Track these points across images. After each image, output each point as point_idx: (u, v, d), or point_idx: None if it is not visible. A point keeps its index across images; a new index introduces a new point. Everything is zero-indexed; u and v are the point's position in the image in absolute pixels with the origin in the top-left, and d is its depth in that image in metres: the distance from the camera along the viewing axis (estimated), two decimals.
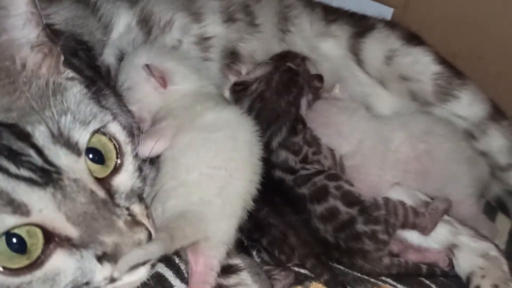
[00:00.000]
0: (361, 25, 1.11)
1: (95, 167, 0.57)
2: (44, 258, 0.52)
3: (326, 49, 1.10)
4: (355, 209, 0.83)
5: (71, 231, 0.53)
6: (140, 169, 0.64)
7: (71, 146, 0.54)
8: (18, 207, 0.50)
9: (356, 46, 1.10)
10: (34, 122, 0.53)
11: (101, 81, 0.86)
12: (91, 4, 0.94)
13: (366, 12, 1.17)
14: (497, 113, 1.05)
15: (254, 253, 0.81)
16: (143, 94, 0.87)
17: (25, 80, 0.56)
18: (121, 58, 0.91)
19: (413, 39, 1.08)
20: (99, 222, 0.54)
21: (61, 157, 0.53)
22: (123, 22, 0.95)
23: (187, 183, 0.72)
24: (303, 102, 0.95)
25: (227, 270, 0.73)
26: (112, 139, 0.60)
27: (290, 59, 1.02)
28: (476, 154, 1.03)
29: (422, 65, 1.06)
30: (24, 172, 0.51)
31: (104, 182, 0.58)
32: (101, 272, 0.55)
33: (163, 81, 0.85)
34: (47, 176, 0.52)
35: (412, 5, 1.21)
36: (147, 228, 0.57)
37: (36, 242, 0.52)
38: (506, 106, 1.06)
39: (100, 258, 0.54)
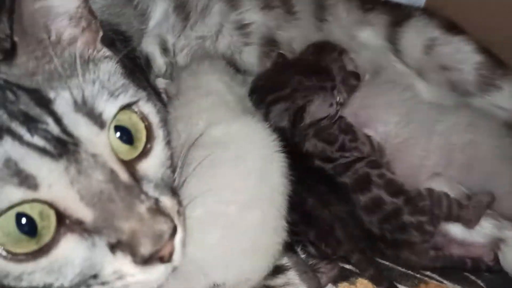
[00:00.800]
0: (398, 14, 1.08)
1: (122, 147, 0.52)
2: (52, 244, 0.47)
3: (364, 37, 1.07)
4: (401, 199, 0.81)
5: (84, 213, 0.47)
6: (171, 159, 0.58)
7: (94, 116, 0.50)
8: (25, 179, 0.45)
9: (393, 36, 1.07)
10: (58, 88, 0.50)
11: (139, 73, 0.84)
12: None
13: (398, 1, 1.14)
14: None
15: (299, 248, 0.79)
16: None
17: (57, 50, 0.53)
18: (163, 45, 0.89)
19: (453, 27, 1.05)
20: (116, 204, 0.48)
21: (80, 127, 0.49)
22: (160, 9, 0.93)
23: (190, 220, 0.59)
24: None
25: (274, 270, 0.70)
26: (144, 120, 0.55)
27: (328, 52, 1.00)
28: None
29: (463, 54, 1.02)
30: (38, 141, 0.47)
31: (129, 165, 0.52)
32: (112, 263, 0.49)
33: None
34: (63, 147, 0.47)
35: None
36: (172, 221, 0.51)
37: (48, 226, 0.47)
38: None
39: (114, 247, 0.48)
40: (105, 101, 0.51)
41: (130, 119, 0.54)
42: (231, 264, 0.63)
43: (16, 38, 0.50)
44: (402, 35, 1.06)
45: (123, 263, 0.48)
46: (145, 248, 0.47)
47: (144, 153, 0.55)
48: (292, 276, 0.71)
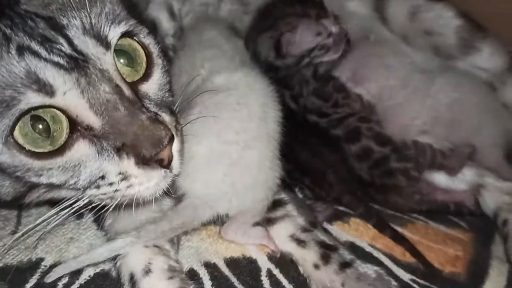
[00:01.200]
0: None
1: (125, 69, 0.62)
2: (66, 146, 0.56)
3: (352, 7, 1.14)
4: (388, 148, 0.89)
5: (93, 120, 0.56)
6: (170, 84, 0.67)
7: (100, 38, 0.58)
8: (43, 86, 0.53)
9: (380, 5, 1.14)
10: (70, 16, 0.58)
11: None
12: None
13: None
14: None
15: (297, 189, 0.86)
16: None
17: None
18: (170, 10, 0.95)
19: None
20: (121, 112, 0.56)
21: (89, 46, 0.57)
22: None
23: (196, 158, 0.69)
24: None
25: (274, 204, 0.77)
26: (145, 49, 0.64)
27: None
28: (502, 107, 1.06)
29: (445, 19, 1.09)
30: (54, 57, 0.55)
31: (133, 85, 0.61)
32: (118, 165, 0.57)
33: None
34: (74, 62, 0.55)
35: None
36: (170, 131, 0.59)
37: (60, 129, 0.55)
38: None
39: (119, 150, 0.56)
40: (109, 26, 0.59)
41: (130, 45, 0.63)
42: (233, 197, 0.70)
43: None
44: (389, 4, 1.13)
45: (127, 164, 0.57)
46: (146, 150, 0.56)
47: (145, 77, 0.63)
48: (290, 209, 0.78)
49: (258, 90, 0.77)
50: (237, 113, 0.72)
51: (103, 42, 0.58)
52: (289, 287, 0.71)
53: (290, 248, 0.74)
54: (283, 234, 0.75)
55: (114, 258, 0.67)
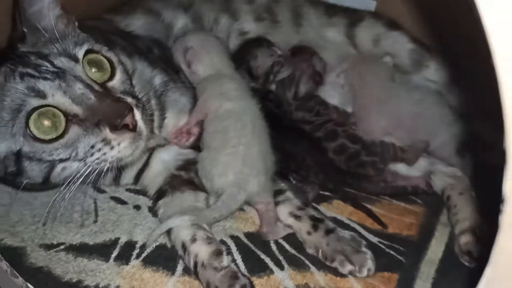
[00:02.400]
0: (354, 17, 1.43)
1: (96, 74, 0.87)
2: (65, 131, 0.80)
3: (330, 36, 1.41)
4: (359, 145, 1.15)
5: (76, 109, 0.81)
6: (130, 80, 0.93)
7: (70, 56, 0.85)
8: (38, 93, 0.79)
9: (351, 34, 1.42)
10: (50, 48, 0.85)
11: (169, 67, 1.19)
12: (155, 12, 1.27)
13: (354, 5, 1.49)
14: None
15: (291, 178, 1.14)
16: (183, 68, 1.19)
17: (47, 32, 0.87)
18: None
19: (393, 25, 1.40)
20: (92, 99, 0.81)
21: (64, 63, 0.83)
22: (180, 23, 1.28)
23: (222, 161, 0.99)
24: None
25: (276, 192, 1.05)
26: (107, 59, 0.90)
27: (303, 52, 1.34)
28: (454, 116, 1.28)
29: (400, 44, 1.38)
30: (42, 74, 0.80)
31: (103, 84, 0.86)
32: (99, 135, 0.81)
33: (189, 64, 1.17)
34: (56, 74, 0.81)
35: None
36: (128, 105, 0.83)
37: (59, 121, 0.80)
38: None
39: (97, 124, 0.81)
40: (75, 48, 0.87)
41: (96, 57, 0.89)
42: (252, 180, 0.99)
43: (24, 29, 0.87)
44: (357, 33, 1.41)
45: (105, 133, 0.81)
46: (113, 120, 0.81)
47: (111, 77, 0.89)
48: (288, 194, 1.05)
49: (251, 109, 1.08)
50: (236, 124, 1.03)
51: (73, 57, 0.85)
52: (290, 249, 0.97)
53: (290, 221, 1.01)
54: (285, 212, 1.02)
55: (169, 234, 0.95)
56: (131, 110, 0.83)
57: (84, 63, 0.86)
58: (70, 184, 0.85)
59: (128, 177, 1.09)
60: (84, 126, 0.82)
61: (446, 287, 0.94)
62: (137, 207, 1.05)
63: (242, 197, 0.97)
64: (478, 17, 0.45)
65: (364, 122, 1.26)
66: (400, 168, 1.22)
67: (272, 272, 0.93)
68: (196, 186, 1.06)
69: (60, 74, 0.82)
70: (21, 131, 0.79)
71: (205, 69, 1.16)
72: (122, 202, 1.06)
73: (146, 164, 1.08)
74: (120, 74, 0.91)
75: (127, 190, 1.09)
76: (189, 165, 1.08)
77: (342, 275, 0.93)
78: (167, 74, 1.14)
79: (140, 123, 0.86)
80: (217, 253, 0.89)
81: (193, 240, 0.91)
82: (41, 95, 0.80)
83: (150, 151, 1.10)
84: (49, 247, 0.93)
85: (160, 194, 1.05)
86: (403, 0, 1.48)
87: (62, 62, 0.84)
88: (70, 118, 0.81)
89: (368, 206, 1.12)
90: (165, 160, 1.09)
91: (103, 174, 0.86)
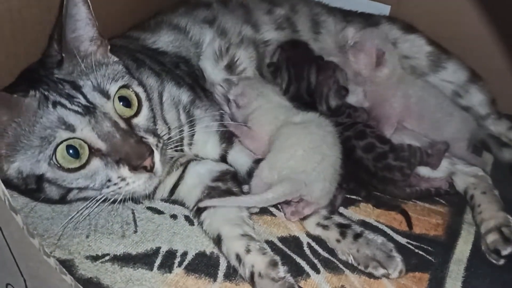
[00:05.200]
0: (370, 22, 1.46)
1: (124, 110, 0.90)
2: (87, 163, 0.85)
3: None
4: (387, 146, 1.17)
5: (101, 144, 0.85)
6: (154, 118, 0.96)
7: (103, 92, 0.87)
8: (68, 126, 0.83)
9: None
10: (84, 79, 0.87)
11: (195, 83, 1.22)
12: (182, 29, 1.30)
13: (368, 11, 1.53)
14: (474, 77, 1.40)
15: None
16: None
17: (84, 59, 0.89)
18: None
19: (409, 28, 1.44)
20: (117, 138, 0.85)
21: (96, 98, 0.86)
22: (208, 37, 1.30)
23: (295, 157, 1.03)
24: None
25: None
26: (136, 95, 0.93)
27: (326, 69, 1.35)
28: (461, 109, 1.35)
29: (418, 47, 1.42)
30: (74, 107, 0.84)
31: (128, 120, 0.90)
32: (117, 171, 0.86)
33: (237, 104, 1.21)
34: (87, 109, 0.84)
35: (404, 2, 1.57)
36: (150, 147, 0.87)
37: (83, 152, 0.84)
38: (479, 72, 1.41)
39: (118, 162, 0.85)
40: (110, 83, 0.89)
41: (126, 92, 0.92)
42: (320, 184, 1.03)
43: (63, 54, 0.89)
44: None
45: (123, 171, 0.86)
46: (133, 161, 0.86)
47: (136, 113, 0.92)
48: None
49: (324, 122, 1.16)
50: (317, 135, 1.10)
51: (106, 94, 0.88)
52: (323, 253, 1.01)
53: (318, 232, 1.04)
54: (312, 223, 1.05)
55: (219, 245, 0.98)
56: (151, 153, 0.88)
57: (115, 98, 0.90)
58: (87, 206, 0.91)
59: (162, 192, 1.11)
60: (105, 161, 0.86)
61: (476, 284, 0.97)
62: (174, 216, 1.08)
63: (300, 190, 1.00)
64: None
65: (380, 109, 1.32)
66: (422, 170, 1.24)
67: (308, 275, 0.96)
68: (237, 195, 1.08)
69: (91, 109, 0.85)
70: (47, 159, 0.84)
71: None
72: (158, 212, 1.09)
73: (180, 178, 1.11)
74: (145, 111, 0.94)
75: (162, 200, 1.12)
76: (225, 176, 1.11)
77: (376, 277, 0.96)
78: (194, 92, 1.18)
79: (158, 165, 0.90)
80: (273, 264, 0.91)
81: (248, 251, 0.94)
82: (71, 128, 0.84)
83: (185, 165, 1.12)
84: (95, 258, 0.96)
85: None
86: (417, 4, 1.52)
87: (94, 97, 0.87)
88: (93, 151, 0.86)
89: None
90: (200, 173, 1.11)
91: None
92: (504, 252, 1.01)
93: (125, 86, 0.91)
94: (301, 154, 1.03)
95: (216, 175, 1.10)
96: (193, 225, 1.06)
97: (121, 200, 0.90)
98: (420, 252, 1.04)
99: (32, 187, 0.88)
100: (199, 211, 1.04)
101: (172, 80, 1.14)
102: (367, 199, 1.17)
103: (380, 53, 1.34)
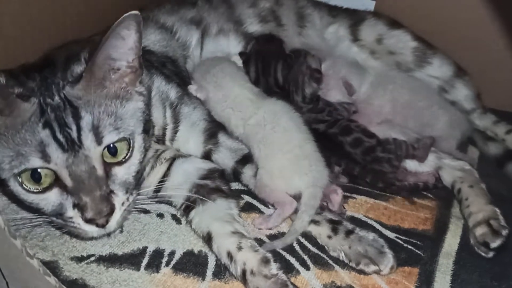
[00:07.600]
0: (356, 18, 1.46)
1: (108, 155, 0.84)
2: (47, 189, 0.82)
3: (332, 31, 1.46)
4: (374, 140, 1.18)
5: (68, 182, 0.81)
6: (136, 173, 0.89)
7: (98, 137, 0.81)
8: (45, 156, 0.79)
9: (354, 33, 1.45)
10: (88, 111, 0.81)
11: (182, 83, 1.20)
12: (169, 29, 1.28)
13: (353, 6, 1.52)
14: (460, 71, 1.40)
15: None
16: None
17: (102, 84, 0.84)
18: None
19: (394, 24, 1.44)
20: (85, 184, 0.81)
21: (88, 139, 0.81)
22: (195, 39, 1.29)
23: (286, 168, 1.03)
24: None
25: None
26: (131, 147, 0.87)
27: (297, 56, 1.34)
28: (448, 104, 1.35)
29: (403, 43, 1.42)
30: (60, 138, 0.79)
31: (109, 165, 0.85)
32: (71, 212, 0.82)
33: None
34: (72, 145, 0.79)
35: None
36: (112, 208, 0.83)
37: (46, 180, 0.81)
38: (464, 66, 1.42)
39: (75, 205, 0.82)
40: (110, 132, 0.83)
41: (120, 144, 0.86)
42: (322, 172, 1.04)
43: (84, 73, 0.83)
44: (360, 33, 1.45)
45: (76, 215, 0.83)
46: (88, 214, 0.82)
47: (121, 162, 0.87)
48: None
49: (283, 109, 1.14)
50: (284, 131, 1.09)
51: (99, 139, 0.82)
52: (313, 249, 1.00)
53: (309, 228, 1.02)
54: None
55: (209, 243, 0.96)
56: (110, 213, 0.84)
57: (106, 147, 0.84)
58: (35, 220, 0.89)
59: (147, 190, 1.06)
60: (64, 196, 0.83)
61: (465, 277, 0.97)
62: (160, 215, 1.06)
63: (320, 193, 1.01)
64: None
65: (368, 108, 1.31)
66: (410, 164, 1.25)
67: (298, 272, 0.95)
68: (226, 193, 1.06)
69: (76, 147, 0.81)
70: (14, 173, 0.81)
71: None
72: (145, 211, 1.07)
73: (166, 175, 1.08)
74: (130, 165, 0.88)
75: (148, 198, 1.10)
76: (213, 174, 1.09)
77: (366, 273, 0.96)
78: (182, 89, 1.15)
79: (112, 223, 0.86)
80: (266, 261, 0.90)
81: (239, 248, 0.92)
82: (47, 159, 0.80)
83: (170, 161, 1.10)
84: (80, 259, 0.94)
85: (189, 204, 1.03)
86: None
87: (86, 138, 0.81)
88: (59, 182, 0.82)
89: (382, 203, 1.16)
90: (187, 171, 1.09)
91: None
92: (493, 245, 1.01)
93: (124, 139, 0.86)
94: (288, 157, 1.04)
95: (204, 173, 1.08)
96: (181, 224, 1.05)
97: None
98: (409, 247, 1.04)
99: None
100: (187, 209, 1.03)
101: (161, 75, 1.12)
102: (363, 176, 1.18)
103: (347, 84, 1.31)
